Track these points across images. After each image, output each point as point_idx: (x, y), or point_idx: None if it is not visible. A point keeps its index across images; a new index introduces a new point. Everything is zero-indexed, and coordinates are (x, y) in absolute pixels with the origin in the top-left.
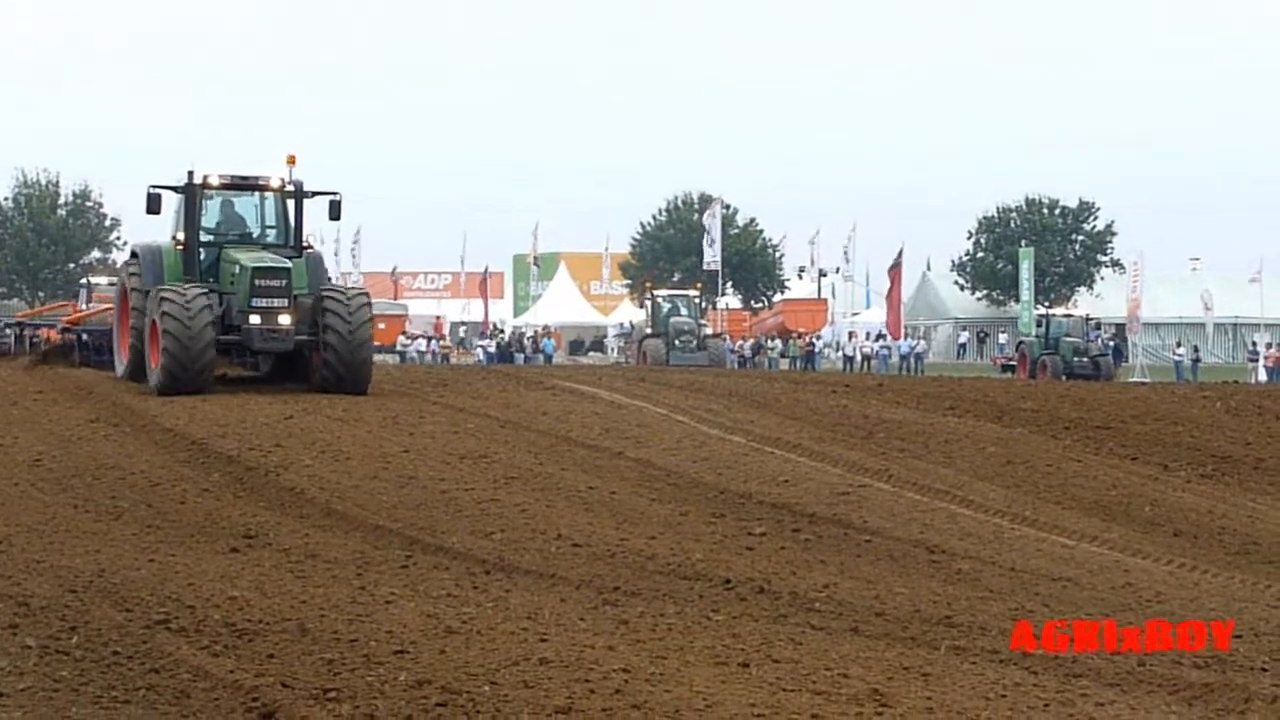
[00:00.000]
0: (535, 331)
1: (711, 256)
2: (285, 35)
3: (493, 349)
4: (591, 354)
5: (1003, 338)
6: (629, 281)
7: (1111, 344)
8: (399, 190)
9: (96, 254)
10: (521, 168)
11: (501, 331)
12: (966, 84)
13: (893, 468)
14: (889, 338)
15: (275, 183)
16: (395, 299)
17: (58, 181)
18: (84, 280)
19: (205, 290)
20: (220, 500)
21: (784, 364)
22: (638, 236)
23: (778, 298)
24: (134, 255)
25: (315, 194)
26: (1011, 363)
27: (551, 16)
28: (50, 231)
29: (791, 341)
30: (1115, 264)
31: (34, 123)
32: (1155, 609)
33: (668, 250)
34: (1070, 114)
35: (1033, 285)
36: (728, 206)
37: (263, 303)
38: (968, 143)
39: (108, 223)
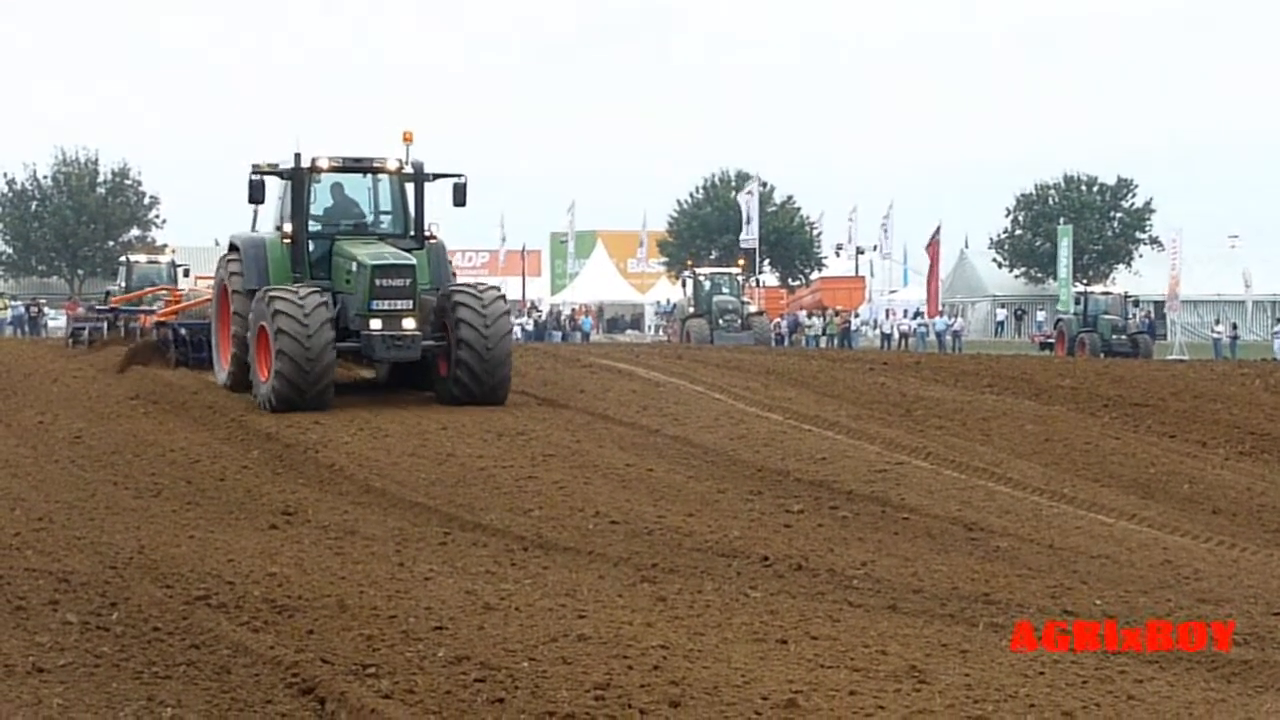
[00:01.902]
0: (573, 309)
1: (748, 234)
2: (312, 17)
3: (530, 327)
4: (629, 332)
5: (1041, 315)
6: (666, 259)
7: (1146, 322)
8: (437, 167)
9: (135, 232)
10: (559, 145)
11: (538, 309)
12: (1005, 60)
13: (931, 445)
14: (926, 315)
15: (392, 164)
16: None
17: (97, 160)
18: (123, 258)
19: (319, 291)
20: (259, 477)
21: (822, 342)
22: (675, 214)
23: (815, 275)
24: (233, 249)
25: (438, 176)
26: (1050, 340)
27: None
28: (89, 210)
29: (829, 319)
30: (1154, 241)
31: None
32: (1194, 586)
33: (705, 228)
34: (1109, 91)
35: (1071, 263)
36: (765, 184)
37: (384, 305)
38: (1006, 120)
39: (146, 201)
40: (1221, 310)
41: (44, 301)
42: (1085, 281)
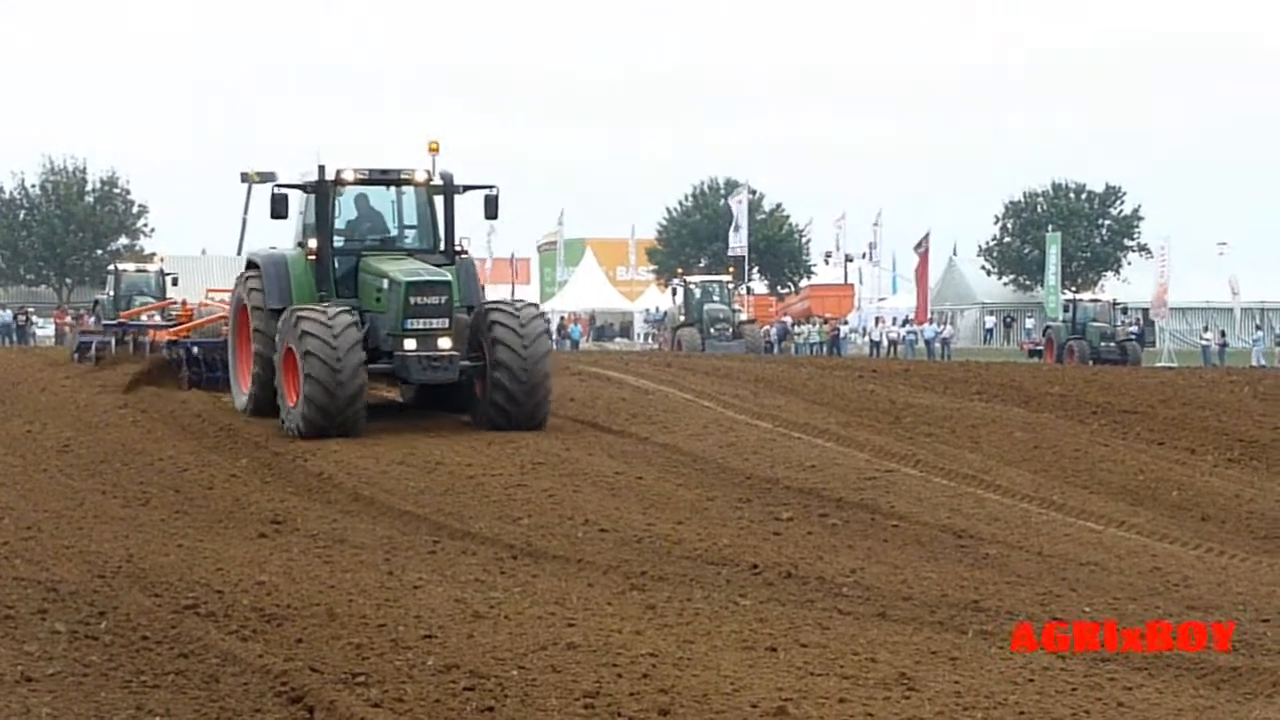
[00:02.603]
0: (562, 317)
1: (738, 242)
2: (297, 26)
3: None
4: (619, 340)
5: (1030, 323)
6: (655, 267)
7: (1134, 329)
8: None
9: (124, 241)
10: (549, 153)
11: None
12: (993, 69)
13: (920, 453)
14: (915, 323)
15: (421, 175)
16: None
17: (85, 169)
18: (111, 267)
19: (349, 310)
20: (248, 485)
21: (811, 349)
22: (664, 222)
23: (804, 283)
24: (251, 266)
25: (469, 188)
26: (1039, 348)
27: (577, 2)
28: (78, 219)
29: (818, 326)
30: (1142, 249)
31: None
32: (1182, 593)
33: (694, 236)
34: (1097, 98)
35: (1059, 270)
36: (754, 192)
37: (419, 324)
38: (994, 127)
39: (135, 210)
40: (1210, 318)
41: (32, 310)
42: (1074, 289)
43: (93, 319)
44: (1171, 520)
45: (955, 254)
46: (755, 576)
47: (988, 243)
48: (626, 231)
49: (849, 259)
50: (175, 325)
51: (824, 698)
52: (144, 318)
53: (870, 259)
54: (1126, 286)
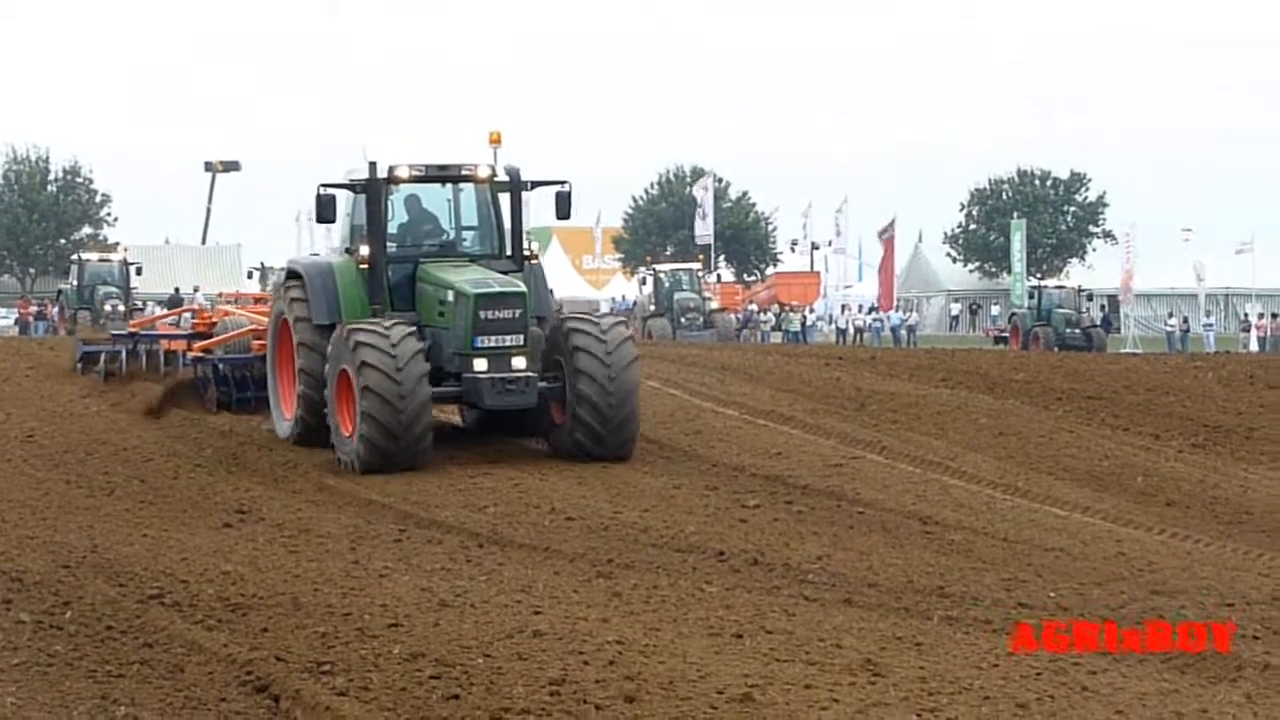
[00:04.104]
0: None
1: (704, 230)
2: (262, 12)
3: None
4: None
5: (995, 309)
6: (621, 256)
7: (1101, 316)
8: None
9: (87, 230)
10: (512, 142)
11: None
12: (957, 55)
13: (885, 440)
14: (881, 310)
15: (484, 171)
16: None
17: (48, 158)
18: (74, 256)
19: (411, 327)
20: (213, 475)
21: (776, 337)
22: (630, 211)
23: (770, 271)
24: (293, 275)
25: (537, 184)
26: (1004, 334)
27: None
28: (41, 208)
29: (784, 314)
30: (1107, 235)
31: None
32: (1147, 578)
33: (659, 224)
34: (1061, 85)
35: (1025, 257)
36: (720, 180)
37: (491, 341)
38: (959, 114)
39: (98, 199)
40: (1174, 304)
41: None
42: (1039, 275)
43: (56, 309)
44: (1136, 505)
45: (921, 241)
46: (721, 564)
47: (953, 230)
48: (592, 220)
49: (815, 246)
50: (192, 335)
51: (790, 684)
52: (157, 326)
53: (835, 247)
54: (1091, 273)
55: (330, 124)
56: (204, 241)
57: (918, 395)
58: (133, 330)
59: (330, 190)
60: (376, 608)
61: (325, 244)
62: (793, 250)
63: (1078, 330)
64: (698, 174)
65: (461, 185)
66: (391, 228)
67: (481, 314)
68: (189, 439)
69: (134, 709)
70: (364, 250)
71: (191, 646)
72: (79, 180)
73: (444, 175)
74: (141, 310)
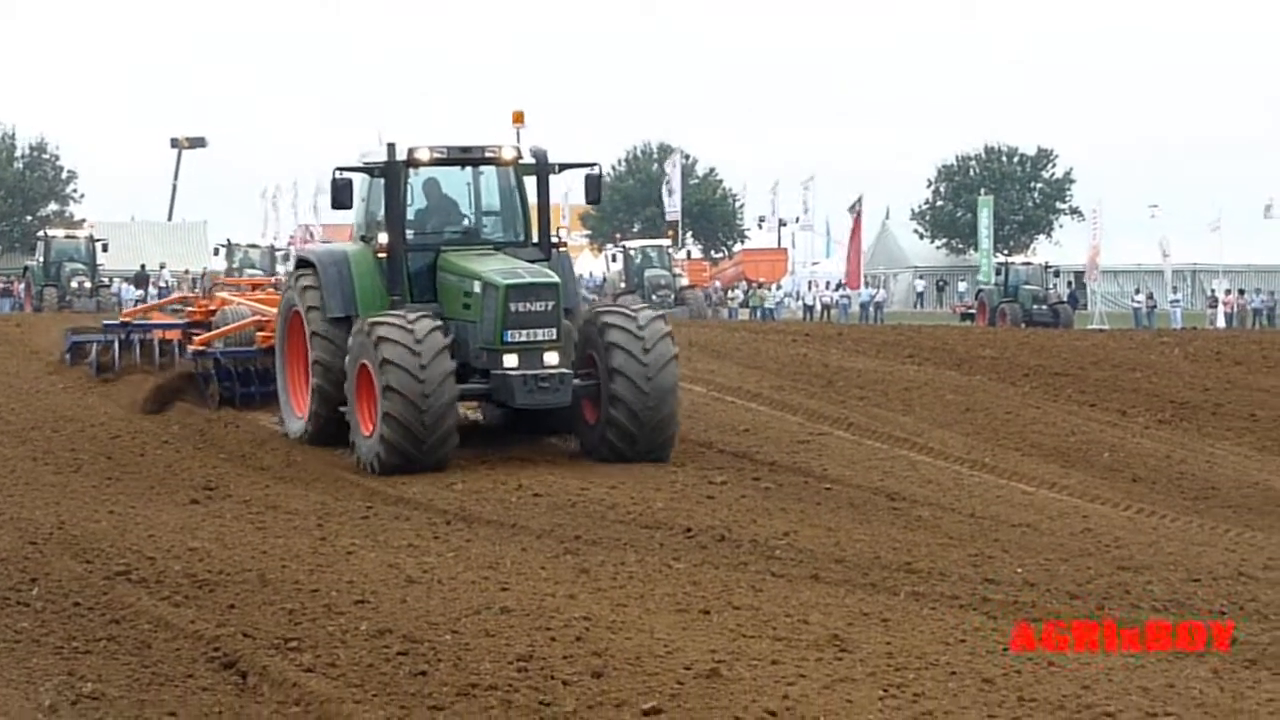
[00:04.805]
0: None
1: (671, 207)
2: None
3: None
4: None
5: (962, 286)
6: (589, 232)
7: (1068, 292)
8: (362, 139)
9: (54, 207)
10: (478, 118)
11: None
12: (924, 31)
13: (852, 416)
14: (848, 287)
15: (509, 153)
16: None
17: (14, 134)
18: (40, 233)
19: (436, 320)
20: (180, 452)
21: (744, 314)
22: None
23: (738, 248)
24: (304, 264)
25: (565, 166)
26: (971, 311)
27: None
28: (6, 184)
29: (752, 291)
30: (1074, 212)
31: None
32: (1114, 554)
33: (627, 201)
34: (1029, 60)
35: (992, 233)
36: (687, 156)
37: (522, 335)
38: (926, 90)
39: (64, 175)
40: (1141, 280)
41: None
42: (1006, 252)
43: (22, 286)
44: (1103, 481)
45: (888, 218)
46: (689, 540)
47: (920, 206)
48: (559, 197)
49: (782, 223)
50: (188, 325)
51: (757, 659)
52: (151, 315)
53: (802, 224)
54: (1058, 249)
55: (330, 124)
56: (170, 218)
57: (885, 372)
58: (125, 321)
59: (346, 174)
60: (344, 584)
61: (293, 222)
62: (760, 227)
63: (1045, 306)
64: (665, 151)
65: (483, 168)
66: (409, 214)
67: (512, 306)
68: (156, 415)
69: (100, 685)
70: (382, 238)
71: (158, 623)
72: (45, 157)
73: (466, 158)
74: (108, 286)
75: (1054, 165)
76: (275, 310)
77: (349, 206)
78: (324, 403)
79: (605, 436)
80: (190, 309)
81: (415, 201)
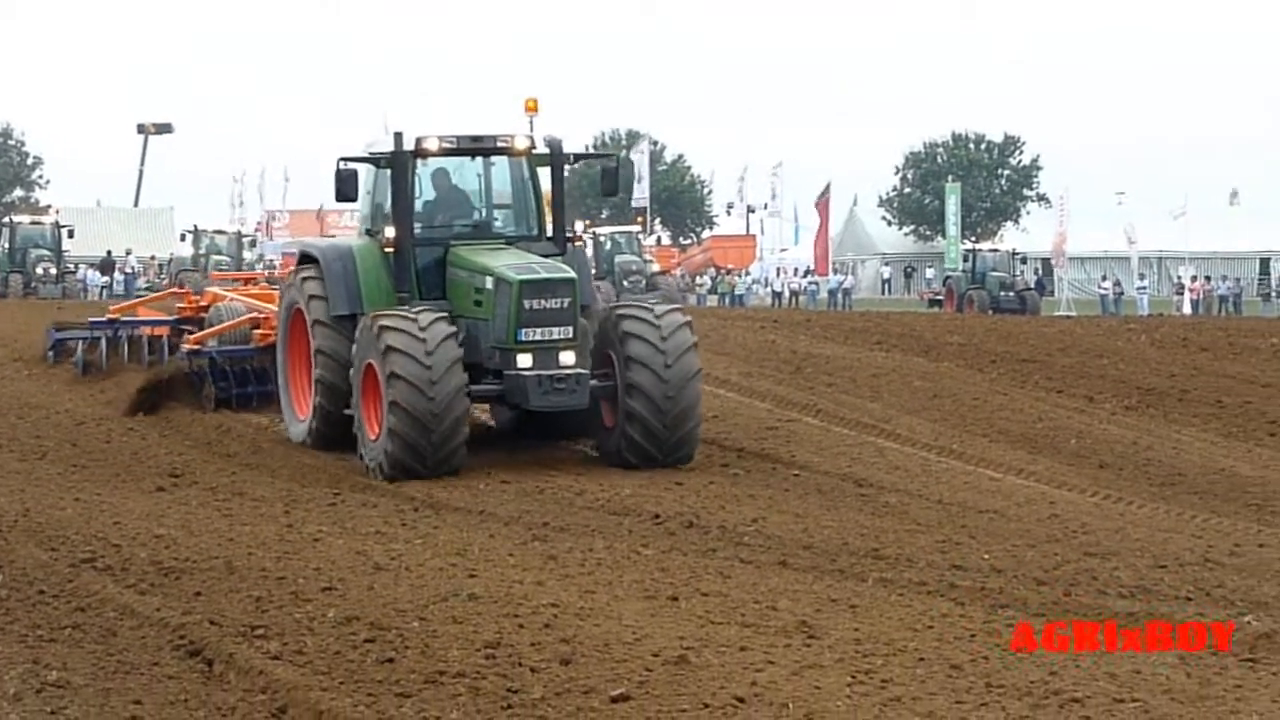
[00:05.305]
0: None
1: (640, 193)
2: None
3: None
4: None
5: (930, 273)
6: None
7: (1035, 278)
8: (324, 123)
9: (19, 193)
10: (448, 105)
11: None
12: (892, 17)
13: (821, 402)
14: (816, 273)
15: (522, 142)
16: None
17: None
18: (5, 219)
19: (449, 324)
20: (146, 439)
21: (712, 300)
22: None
23: (706, 234)
24: (307, 260)
25: (580, 157)
26: (938, 298)
27: None
28: None
29: (720, 277)
30: (1041, 198)
31: None
32: (1081, 540)
33: (594, 188)
34: (996, 48)
35: (959, 220)
36: (655, 143)
37: (536, 334)
38: (894, 77)
39: (30, 161)
40: (1108, 267)
41: None
42: (973, 239)
43: None
44: (1070, 468)
45: (856, 205)
46: (657, 526)
47: (888, 193)
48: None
49: (751, 210)
50: (178, 321)
51: (725, 646)
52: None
53: (770, 211)
54: (1025, 236)
55: (330, 124)
56: (136, 204)
57: (853, 358)
58: (112, 318)
59: (351, 165)
60: (311, 571)
61: (260, 210)
62: (728, 213)
63: (1012, 293)
64: (634, 138)
65: (495, 159)
66: (418, 206)
67: (526, 303)
68: (122, 403)
69: (66, 673)
70: (389, 231)
71: (124, 610)
72: (10, 143)
73: (477, 147)
74: (73, 273)
75: (1021, 152)
76: (271, 306)
77: (353, 199)
78: (326, 410)
79: (623, 442)
80: (181, 306)
81: (424, 193)
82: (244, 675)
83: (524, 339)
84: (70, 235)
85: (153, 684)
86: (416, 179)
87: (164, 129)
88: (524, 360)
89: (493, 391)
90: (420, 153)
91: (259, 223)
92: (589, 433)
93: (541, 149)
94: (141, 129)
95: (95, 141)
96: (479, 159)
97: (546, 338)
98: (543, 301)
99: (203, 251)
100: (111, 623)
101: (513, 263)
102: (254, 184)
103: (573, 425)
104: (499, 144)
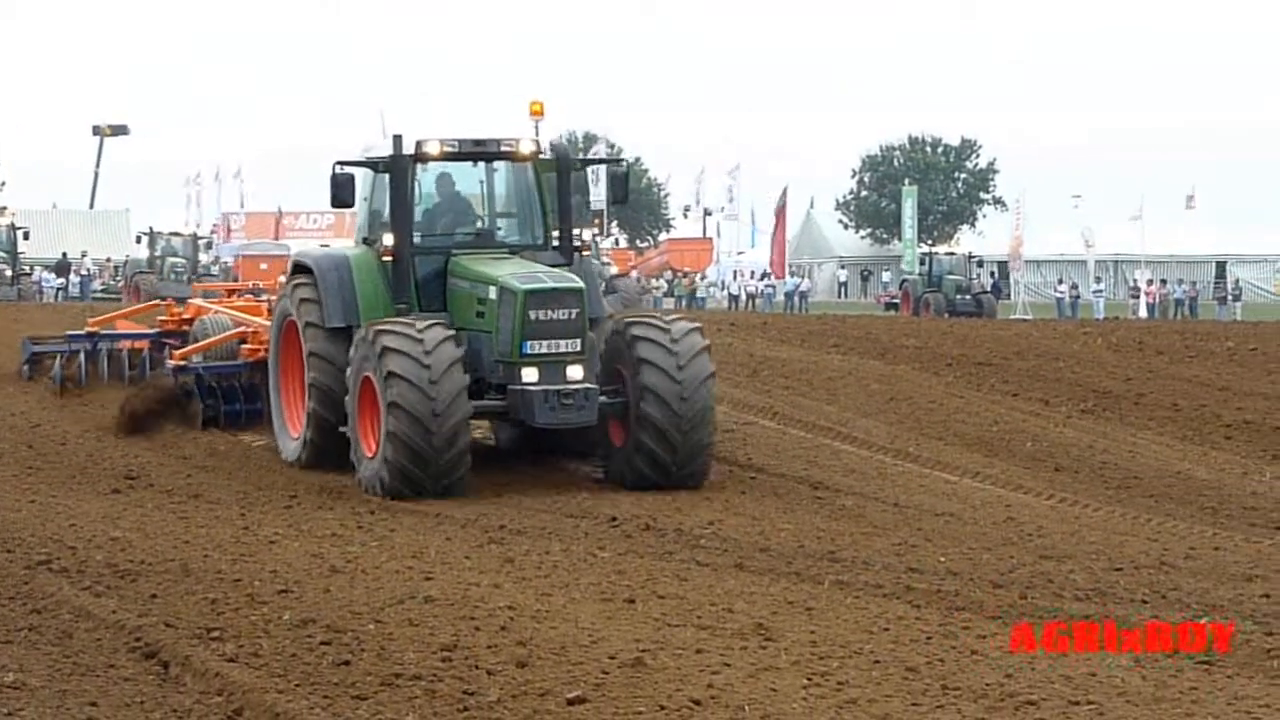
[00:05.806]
0: None
1: (597, 195)
2: None
3: None
4: None
5: (886, 276)
6: None
7: (991, 282)
8: (282, 124)
9: None
10: (449, 102)
11: None
12: (848, 21)
13: (777, 405)
14: (773, 276)
15: (527, 147)
16: (277, 239)
17: None
18: None
19: (448, 329)
20: (102, 441)
21: (669, 303)
22: None
23: (663, 237)
24: (301, 270)
25: (587, 162)
26: (895, 301)
27: None
28: None
29: (677, 280)
30: (998, 202)
31: None
32: (1037, 543)
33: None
34: (952, 52)
35: (916, 223)
36: (613, 146)
37: (542, 347)
38: (850, 80)
39: None
40: (1064, 270)
41: None
42: (930, 242)
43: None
44: (1026, 470)
45: (813, 208)
46: (614, 529)
47: (845, 196)
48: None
49: (708, 213)
50: (159, 335)
51: (681, 648)
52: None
53: (727, 213)
54: (982, 239)
55: (330, 124)
56: (92, 206)
57: (809, 361)
58: (92, 331)
59: (348, 169)
60: (267, 574)
61: (216, 211)
62: (685, 216)
63: (968, 296)
64: (590, 140)
65: (498, 164)
66: (417, 213)
67: (531, 315)
68: (76, 405)
69: (22, 675)
70: (387, 240)
71: (80, 613)
72: None
73: (480, 152)
74: (29, 275)
75: (977, 156)
76: (259, 320)
77: (350, 205)
78: (320, 426)
79: (633, 463)
80: (162, 319)
81: (424, 200)
82: (200, 677)
83: (529, 352)
84: (26, 237)
85: (109, 686)
86: (416, 184)
87: (120, 130)
88: (529, 374)
89: (496, 407)
90: (420, 157)
91: (215, 225)
92: (596, 451)
93: (547, 154)
94: (97, 130)
95: (50, 143)
96: (482, 164)
97: (553, 351)
98: (549, 313)
99: (159, 254)
100: (67, 625)
101: (517, 272)
102: (211, 185)
103: (580, 443)
104: (503, 148)
